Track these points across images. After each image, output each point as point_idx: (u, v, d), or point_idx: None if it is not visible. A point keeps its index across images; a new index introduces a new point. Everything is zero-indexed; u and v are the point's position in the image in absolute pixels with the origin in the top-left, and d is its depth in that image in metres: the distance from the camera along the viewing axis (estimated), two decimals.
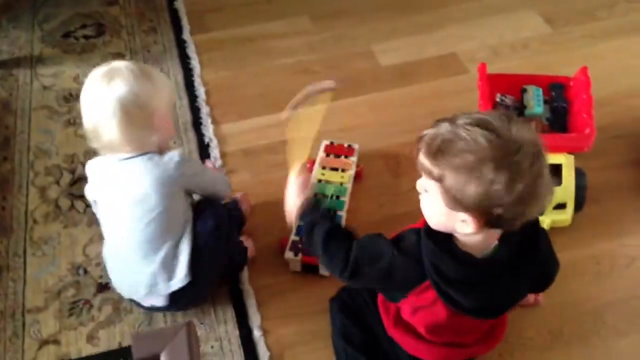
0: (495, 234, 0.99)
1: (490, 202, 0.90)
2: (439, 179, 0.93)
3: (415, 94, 1.95)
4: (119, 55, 2.08)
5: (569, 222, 1.52)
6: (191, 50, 2.12)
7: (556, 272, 1.17)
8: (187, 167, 1.33)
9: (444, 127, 0.94)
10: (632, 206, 1.61)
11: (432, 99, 1.92)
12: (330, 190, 1.60)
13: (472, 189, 0.89)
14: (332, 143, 1.73)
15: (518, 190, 0.88)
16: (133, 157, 1.28)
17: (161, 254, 1.30)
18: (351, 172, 1.67)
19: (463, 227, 0.95)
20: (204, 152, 1.80)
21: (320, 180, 1.63)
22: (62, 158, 1.78)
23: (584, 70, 1.62)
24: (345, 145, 1.73)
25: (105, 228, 1.37)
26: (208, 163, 1.72)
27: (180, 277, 1.31)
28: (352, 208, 1.61)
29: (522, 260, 1.01)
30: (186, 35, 2.18)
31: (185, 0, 2.33)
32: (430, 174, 0.94)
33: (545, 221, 1.48)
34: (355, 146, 1.73)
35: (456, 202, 0.92)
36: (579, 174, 1.52)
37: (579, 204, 1.52)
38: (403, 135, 1.81)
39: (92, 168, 1.36)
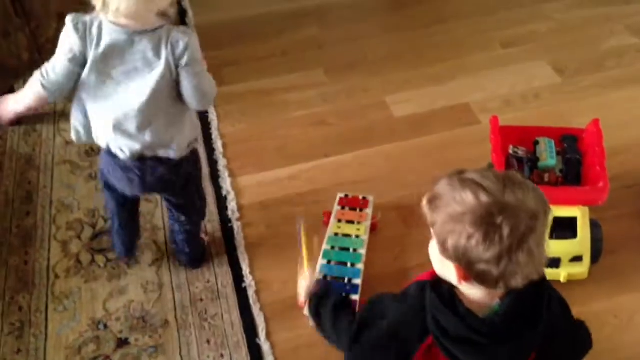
0: (497, 292, 1.00)
1: (470, 256, 0.93)
2: (432, 225, 0.98)
3: (429, 145, 1.98)
4: None
5: (586, 275, 1.52)
6: None
7: (581, 348, 1.15)
8: None
9: (445, 180, 0.99)
10: None
11: (446, 150, 1.95)
12: (346, 244, 1.63)
13: (453, 239, 0.94)
14: (347, 196, 1.76)
15: (495, 252, 0.91)
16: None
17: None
18: (367, 224, 1.69)
19: (452, 277, 0.99)
20: (221, 204, 1.83)
21: (336, 234, 1.66)
22: (83, 212, 1.82)
23: (596, 122, 1.64)
24: (360, 197, 1.76)
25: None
26: None
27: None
28: (368, 259, 1.63)
29: (525, 324, 1.00)
30: None
31: (203, 55, 2.39)
32: (427, 219, 1.00)
33: (562, 274, 1.48)
34: (370, 198, 1.76)
35: (444, 250, 0.97)
36: (594, 226, 1.53)
37: (595, 256, 1.53)
38: (417, 187, 1.81)
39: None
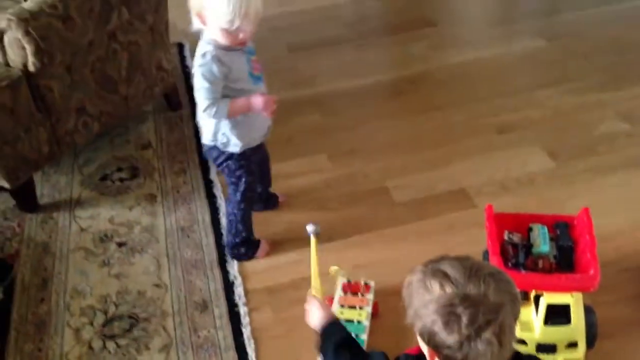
0: None
1: (435, 340, 1.01)
2: (407, 308, 1.07)
3: (428, 229, 2.05)
4: (152, 197, 2.25)
5: None
6: (217, 190, 2.27)
7: None
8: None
9: (420, 268, 1.09)
10: None
11: (444, 234, 2.03)
12: (348, 330, 1.67)
13: (420, 324, 1.03)
14: (349, 281, 1.82)
15: (456, 339, 0.99)
16: None
17: None
18: (368, 309, 1.75)
19: (428, 357, 1.07)
20: (229, 289, 1.90)
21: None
22: (96, 298, 1.89)
23: (586, 211, 1.71)
24: (362, 282, 1.81)
25: None
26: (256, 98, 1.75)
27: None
28: (370, 344, 1.67)
29: None
30: (213, 175, 2.34)
31: None
32: (404, 303, 1.09)
33: None
34: (372, 283, 1.82)
35: (416, 332, 1.06)
36: (588, 311, 1.58)
37: (590, 342, 1.57)
38: None
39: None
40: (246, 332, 1.77)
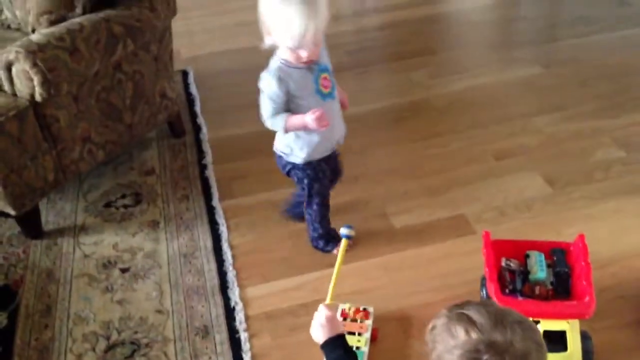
0: None
1: None
2: (431, 351, 1.08)
3: (427, 256, 2.08)
4: (154, 223, 2.28)
5: None
6: (219, 216, 2.31)
7: None
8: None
9: (445, 312, 1.09)
10: None
11: (443, 261, 2.05)
12: None
13: None
14: (348, 308, 1.84)
15: None
16: None
17: None
18: (367, 335, 1.77)
19: None
20: (229, 315, 1.92)
21: None
22: (98, 324, 1.91)
23: (582, 237, 1.74)
24: (361, 308, 1.84)
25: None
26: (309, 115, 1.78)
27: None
28: None
29: None
30: (215, 201, 2.38)
31: (215, 169, 2.56)
32: (428, 346, 1.10)
33: None
34: (370, 309, 1.84)
35: None
36: (585, 338, 1.60)
37: None
38: (416, 297, 1.93)
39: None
40: (246, 358, 1.79)
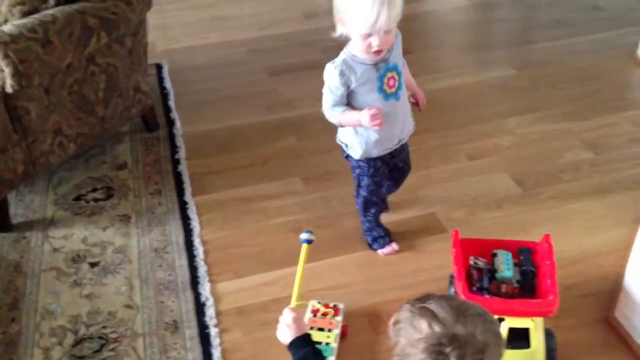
0: None
1: None
2: (394, 346, 1.10)
3: (399, 253, 2.09)
4: (126, 218, 2.27)
5: None
6: (192, 211, 2.30)
7: None
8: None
9: (407, 306, 1.11)
10: None
11: (414, 258, 2.07)
12: None
13: None
14: (319, 303, 1.85)
15: None
16: None
17: None
18: (337, 331, 1.78)
19: None
20: (200, 310, 1.92)
21: None
22: (66, 319, 1.90)
23: (547, 237, 1.77)
24: (331, 305, 1.85)
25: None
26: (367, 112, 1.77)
27: None
28: None
29: None
30: (188, 196, 2.37)
31: (188, 164, 2.55)
32: (391, 340, 1.12)
33: None
34: (341, 306, 1.85)
35: None
36: (548, 335, 1.63)
37: None
38: (387, 293, 1.95)
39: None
40: (216, 353, 1.79)
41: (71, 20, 2.09)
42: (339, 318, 1.82)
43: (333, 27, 1.77)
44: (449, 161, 2.50)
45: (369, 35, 1.68)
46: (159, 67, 3.21)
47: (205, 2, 3.94)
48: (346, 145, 1.93)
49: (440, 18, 3.77)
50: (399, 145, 1.95)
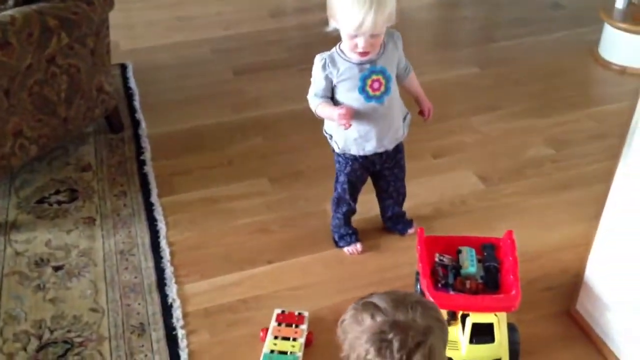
0: None
1: None
2: (342, 343, 1.15)
3: (365, 251, 2.11)
4: (90, 220, 2.24)
5: None
6: (158, 213, 2.28)
7: None
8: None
9: (352, 305, 1.17)
10: (563, 357, 1.74)
11: (381, 256, 2.09)
12: None
13: (354, 355, 1.10)
14: (283, 312, 1.83)
15: None
16: None
17: None
18: (301, 340, 1.75)
19: None
20: (167, 312, 1.90)
21: (272, 351, 1.71)
22: (30, 324, 1.87)
23: (510, 233, 1.81)
24: (296, 313, 1.83)
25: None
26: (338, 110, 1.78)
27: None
28: None
29: None
30: (154, 198, 2.35)
31: (154, 165, 2.53)
32: (339, 339, 1.16)
33: None
34: (305, 314, 1.83)
35: None
36: (511, 329, 1.66)
37: (513, 359, 1.64)
38: (354, 292, 1.94)
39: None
40: (183, 355, 1.78)
41: (30, 20, 2.05)
42: (304, 326, 1.79)
43: (326, 22, 1.77)
44: (414, 159, 2.49)
45: (355, 36, 1.69)
46: (123, 67, 3.18)
47: (169, 1, 3.92)
48: (330, 136, 1.95)
49: (404, 16, 3.78)
50: (383, 151, 1.94)
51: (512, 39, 3.41)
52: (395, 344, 1.05)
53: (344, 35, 1.73)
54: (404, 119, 1.96)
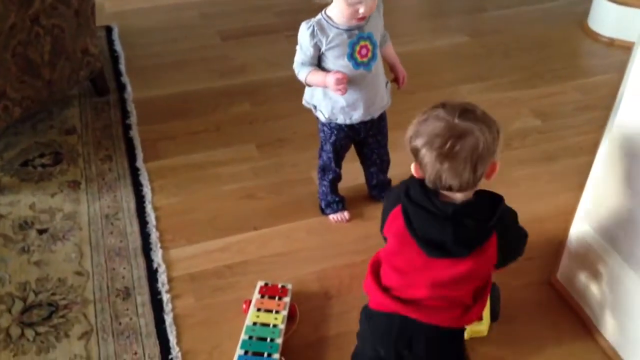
0: (458, 196, 1.30)
1: (417, 157, 1.27)
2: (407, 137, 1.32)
3: (352, 219, 2.11)
4: (75, 184, 2.22)
5: (486, 333, 1.68)
6: (144, 178, 2.27)
7: (517, 246, 1.51)
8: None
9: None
10: (543, 323, 1.77)
11: (365, 224, 2.09)
12: (264, 334, 1.67)
13: (411, 144, 1.29)
14: (266, 284, 1.81)
15: (432, 156, 1.23)
16: None
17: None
18: (284, 313, 1.73)
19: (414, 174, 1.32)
20: (152, 277, 1.91)
21: (254, 323, 1.69)
22: (14, 286, 1.86)
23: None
24: (279, 285, 1.81)
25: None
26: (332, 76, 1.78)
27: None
28: (286, 347, 1.68)
29: (469, 217, 1.28)
30: (139, 162, 2.33)
31: (139, 129, 2.51)
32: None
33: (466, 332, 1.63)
34: (289, 286, 1.81)
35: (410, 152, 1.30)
36: (492, 287, 1.69)
37: (494, 316, 1.69)
38: (339, 259, 1.97)
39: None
40: (168, 319, 1.79)
41: None
42: (287, 299, 1.78)
43: None
44: (401, 128, 2.42)
45: (357, 2, 1.67)
46: (108, 30, 3.13)
47: None
48: (314, 107, 1.93)
49: None
50: (369, 119, 1.94)
51: (503, 9, 3.40)
52: (438, 142, 1.22)
53: (340, 3, 1.70)
54: (386, 85, 1.95)
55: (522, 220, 2.06)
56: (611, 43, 3.07)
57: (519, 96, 2.69)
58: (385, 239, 1.44)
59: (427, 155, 1.24)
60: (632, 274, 1.54)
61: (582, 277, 1.74)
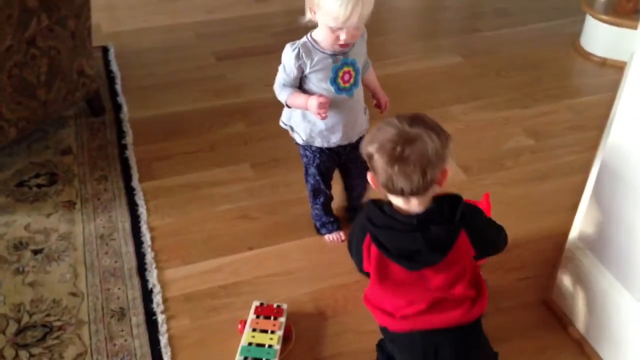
0: (414, 203, 1.32)
1: (371, 162, 1.32)
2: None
3: (345, 239, 2.13)
4: (71, 204, 2.22)
5: None
6: (139, 198, 2.27)
7: (496, 240, 1.52)
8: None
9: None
10: (538, 343, 1.77)
11: None
12: (260, 355, 1.67)
13: (366, 150, 1.34)
14: (262, 304, 1.81)
15: (383, 160, 1.27)
16: None
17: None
18: (280, 333, 1.73)
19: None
20: (147, 297, 1.91)
21: (250, 344, 1.69)
22: (9, 307, 1.86)
23: (486, 196, 1.88)
24: (275, 305, 1.81)
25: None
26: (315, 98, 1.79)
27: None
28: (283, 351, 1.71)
29: (432, 222, 1.32)
30: (135, 183, 2.34)
31: (135, 149, 2.51)
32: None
33: None
34: (284, 306, 1.82)
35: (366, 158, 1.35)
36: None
37: None
38: (334, 278, 1.97)
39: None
40: (163, 340, 1.78)
41: (9, 1, 2.02)
42: (282, 319, 1.78)
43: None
44: None
45: (338, 29, 1.68)
46: (104, 50, 3.15)
47: None
48: (291, 128, 1.93)
49: (388, 4, 3.80)
50: (348, 144, 1.94)
51: (496, 29, 3.44)
52: (389, 146, 1.26)
53: (323, 28, 1.71)
54: (364, 112, 1.96)
55: (516, 240, 2.09)
56: (603, 63, 3.11)
57: (512, 116, 2.71)
58: (367, 274, 1.47)
59: (379, 160, 1.29)
60: (626, 294, 1.55)
61: (577, 297, 1.75)
